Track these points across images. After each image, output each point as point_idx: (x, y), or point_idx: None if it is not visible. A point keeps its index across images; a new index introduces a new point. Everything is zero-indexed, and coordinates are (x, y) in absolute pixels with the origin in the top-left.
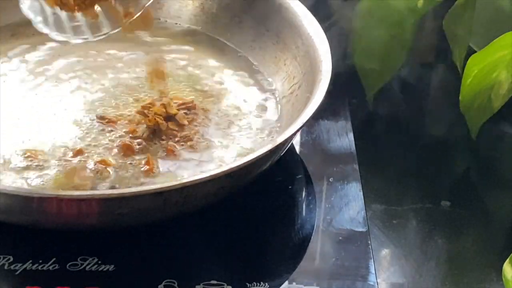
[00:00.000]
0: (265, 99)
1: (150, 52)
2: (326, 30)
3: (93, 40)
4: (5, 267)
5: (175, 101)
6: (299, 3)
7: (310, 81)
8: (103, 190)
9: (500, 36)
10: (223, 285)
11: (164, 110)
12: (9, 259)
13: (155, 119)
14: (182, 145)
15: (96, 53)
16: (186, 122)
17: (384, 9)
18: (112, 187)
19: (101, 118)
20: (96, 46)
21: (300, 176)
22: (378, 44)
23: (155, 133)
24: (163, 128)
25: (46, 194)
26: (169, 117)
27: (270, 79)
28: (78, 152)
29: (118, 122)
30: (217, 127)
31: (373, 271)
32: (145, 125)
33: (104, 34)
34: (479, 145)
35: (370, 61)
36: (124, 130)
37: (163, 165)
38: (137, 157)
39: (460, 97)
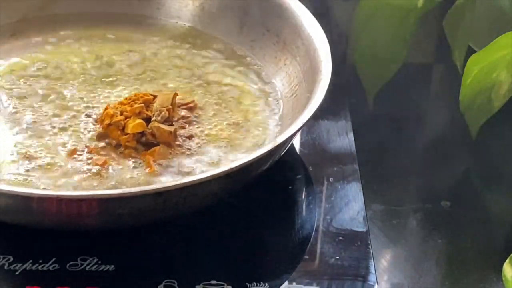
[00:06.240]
0: (265, 99)
1: (149, 51)
2: (326, 30)
3: None
4: (5, 267)
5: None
6: (299, 3)
7: (310, 81)
8: (103, 190)
9: (500, 36)
10: (223, 285)
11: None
12: (9, 259)
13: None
14: (183, 145)
15: (96, 54)
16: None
17: (384, 9)
18: (112, 187)
19: (89, 116)
20: (96, 46)
21: (300, 176)
22: (378, 44)
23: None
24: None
25: (46, 194)
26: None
27: (270, 79)
28: (73, 152)
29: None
30: (217, 127)
31: (373, 271)
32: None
33: None
34: (479, 145)
35: (370, 61)
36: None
37: (163, 166)
38: (137, 158)
39: (460, 97)
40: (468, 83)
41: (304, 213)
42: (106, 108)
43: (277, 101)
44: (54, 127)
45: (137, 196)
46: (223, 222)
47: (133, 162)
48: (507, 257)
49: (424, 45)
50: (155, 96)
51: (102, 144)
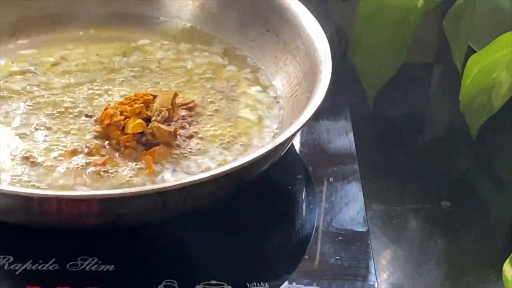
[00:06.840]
0: (265, 99)
1: (149, 51)
2: (326, 30)
3: None
4: (5, 267)
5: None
6: (299, 3)
7: (310, 81)
8: (103, 190)
9: (500, 36)
10: (223, 285)
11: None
12: (9, 259)
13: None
14: (183, 145)
15: (96, 54)
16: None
17: (384, 9)
18: (112, 187)
19: (89, 116)
20: (96, 46)
21: (300, 176)
22: (378, 44)
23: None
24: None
25: (46, 194)
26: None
27: (270, 79)
28: (73, 152)
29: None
30: (217, 127)
31: (373, 271)
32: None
33: None
34: (479, 145)
35: (370, 61)
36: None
37: (163, 166)
38: (137, 158)
39: (460, 97)
40: (468, 83)
41: (304, 213)
42: (106, 108)
43: (277, 101)
44: (54, 127)
45: (137, 196)
46: (223, 222)
47: (133, 162)
48: (507, 257)
49: (424, 45)
50: (155, 96)
51: (102, 144)
